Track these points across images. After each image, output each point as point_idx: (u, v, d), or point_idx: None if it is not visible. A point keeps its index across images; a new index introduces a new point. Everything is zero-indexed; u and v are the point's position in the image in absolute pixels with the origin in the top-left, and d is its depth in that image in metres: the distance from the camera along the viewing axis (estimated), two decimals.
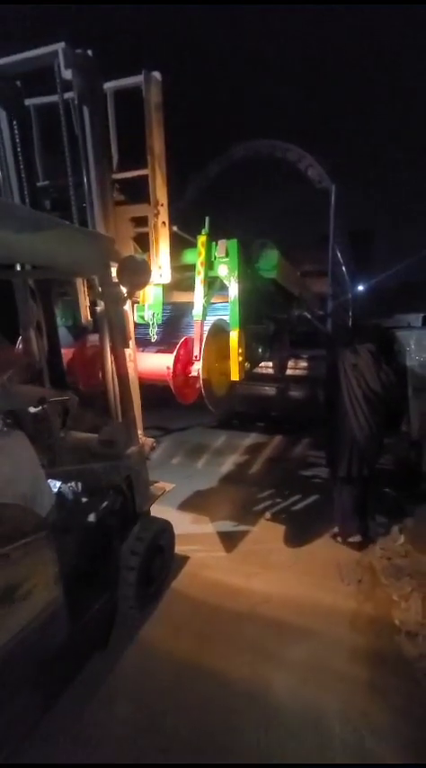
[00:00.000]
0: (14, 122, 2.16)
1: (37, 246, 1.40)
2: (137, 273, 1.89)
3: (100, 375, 2.61)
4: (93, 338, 2.87)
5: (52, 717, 1.69)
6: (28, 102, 2.27)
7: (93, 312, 2.31)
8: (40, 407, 1.96)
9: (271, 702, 1.88)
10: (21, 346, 2.74)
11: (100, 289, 1.87)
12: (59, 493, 1.99)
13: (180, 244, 2.61)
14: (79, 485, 2.03)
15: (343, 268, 8.05)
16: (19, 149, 2.20)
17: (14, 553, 1.39)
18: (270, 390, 5.55)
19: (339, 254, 7.24)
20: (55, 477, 1.96)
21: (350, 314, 9.02)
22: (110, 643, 2.04)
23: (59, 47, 1.80)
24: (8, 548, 1.38)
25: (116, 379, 2.13)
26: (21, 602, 1.40)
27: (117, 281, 1.90)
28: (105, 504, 1.98)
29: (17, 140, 2.19)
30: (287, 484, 4.20)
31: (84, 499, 2.02)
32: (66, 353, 2.79)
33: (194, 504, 3.78)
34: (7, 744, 1.38)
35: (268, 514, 3.63)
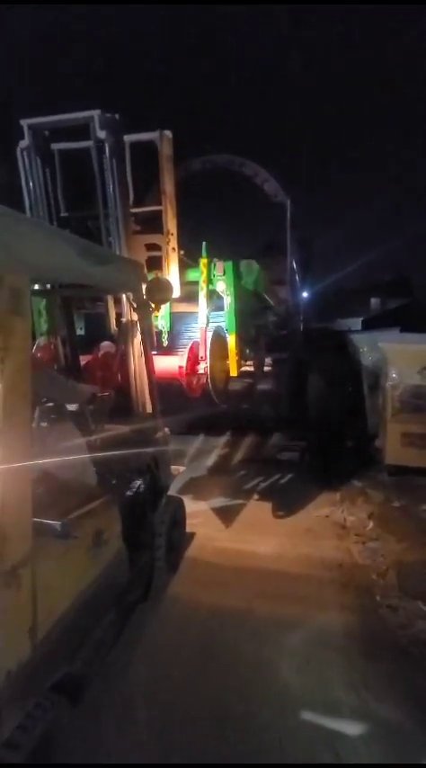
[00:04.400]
0: (46, 167, 2.57)
1: (104, 274, 1.86)
2: (162, 291, 2.37)
3: (115, 376, 3.04)
4: (105, 345, 3.29)
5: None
6: (53, 146, 2.68)
7: (117, 323, 2.74)
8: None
9: (287, 627, 2.39)
10: (38, 354, 3.10)
11: (134, 304, 2.33)
12: (100, 473, 2.39)
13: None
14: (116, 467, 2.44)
15: (296, 276, 8.89)
16: (49, 187, 2.60)
17: (94, 510, 1.82)
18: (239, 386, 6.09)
19: (294, 264, 8.04)
20: (99, 460, 2.37)
21: (301, 318, 9.94)
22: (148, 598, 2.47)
23: (96, 113, 2.27)
24: (90, 506, 1.80)
25: (143, 377, 2.58)
26: (104, 545, 1.83)
27: (146, 297, 2.36)
28: (142, 480, 2.42)
29: (48, 180, 2.60)
30: (266, 470, 4.76)
31: (122, 479, 2.44)
32: (83, 358, 3.18)
33: (191, 488, 4.24)
34: (100, 653, 1.79)
35: (255, 494, 4.20)
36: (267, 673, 2.11)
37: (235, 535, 3.46)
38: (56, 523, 1.42)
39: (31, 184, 2.60)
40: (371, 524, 3.48)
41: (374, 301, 18.14)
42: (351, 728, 1.81)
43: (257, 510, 3.88)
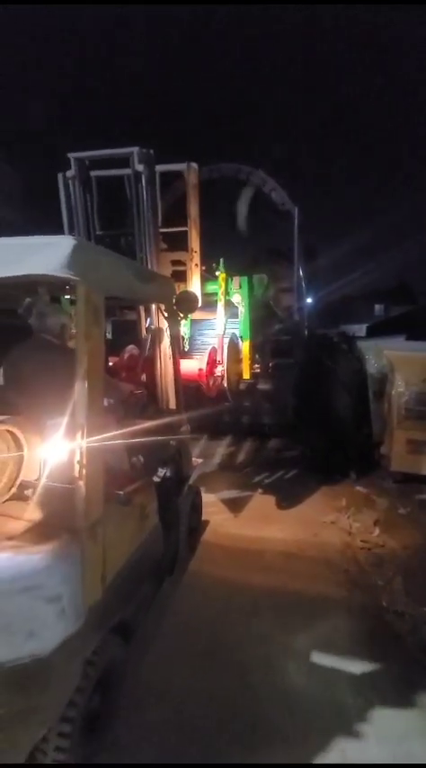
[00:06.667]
0: (86, 192, 2.93)
1: (149, 290, 2.22)
2: (190, 303, 2.73)
3: (139, 377, 3.39)
4: (130, 348, 3.63)
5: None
6: (92, 173, 3.04)
7: (146, 329, 3.08)
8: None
9: (293, 631, 2.45)
10: None
11: (165, 314, 2.69)
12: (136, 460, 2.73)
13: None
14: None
15: (302, 283, 9.22)
16: (89, 209, 2.96)
17: (139, 488, 2.15)
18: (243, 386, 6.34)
19: (301, 271, 8.35)
20: (132, 449, 2.71)
21: (306, 324, 10.29)
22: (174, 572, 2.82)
23: (135, 149, 2.63)
24: (136, 484, 2.14)
25: (169, 378, 2.93)
26: (146, 518, 2.16)
27: (175, 308, 2.72)
28: (169, 468, 2.77)
29: (87, 203, 2.96)
30: (270, 467, 5.07)
31: (153, 465, 2.77)
32: (110, 359, 3.52)
33: (201, 482, 4.53)
34: (143, 609, 2.13)
35: (260, 488, 4.52)
36: (271, 674, 2.16)
37: (245, 522, 3.77)
38: (120, 493, 1.76)
39: (72, 207, 2.96)
40: (377, 531, 3.53)
41: (378, 307, 18.55)
42: (358, 729, 1.87)
43: (263, 512, 4.03)
